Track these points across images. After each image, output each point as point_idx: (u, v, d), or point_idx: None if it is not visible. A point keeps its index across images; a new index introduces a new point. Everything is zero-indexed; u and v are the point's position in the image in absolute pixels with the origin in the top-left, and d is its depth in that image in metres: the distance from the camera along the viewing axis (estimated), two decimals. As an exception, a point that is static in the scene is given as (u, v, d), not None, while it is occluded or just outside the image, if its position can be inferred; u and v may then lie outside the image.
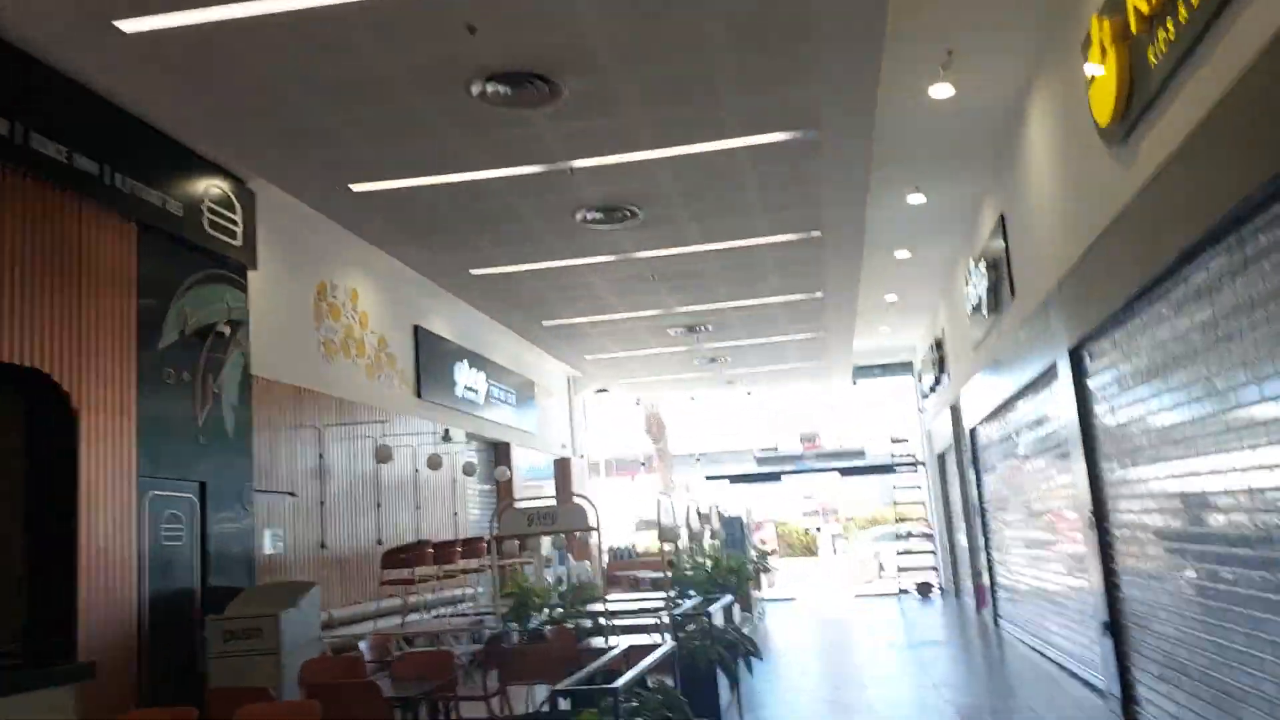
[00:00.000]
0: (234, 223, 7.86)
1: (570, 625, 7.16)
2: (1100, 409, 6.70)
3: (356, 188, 7.43)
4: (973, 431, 12.71)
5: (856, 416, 20.51)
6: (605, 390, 18.80)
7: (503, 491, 14.55)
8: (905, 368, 18.80)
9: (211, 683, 6.48)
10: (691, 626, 6.51)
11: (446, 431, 11.90)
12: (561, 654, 6.66)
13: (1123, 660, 6.63)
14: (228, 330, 7.64)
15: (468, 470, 11.18)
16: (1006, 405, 10.17)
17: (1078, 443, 7.03)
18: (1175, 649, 5.65)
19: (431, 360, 11.75)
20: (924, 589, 17.26)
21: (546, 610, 7.24)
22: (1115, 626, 6.70)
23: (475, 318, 12.53)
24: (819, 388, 20.10)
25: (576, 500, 7.49)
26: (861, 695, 8.14)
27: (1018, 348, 8.91)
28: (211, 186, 7.60)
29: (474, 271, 9.66)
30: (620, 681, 2.56)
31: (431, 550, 9.08)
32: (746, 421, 23.71)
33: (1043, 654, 9.45)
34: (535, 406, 15.93)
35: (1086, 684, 7.76)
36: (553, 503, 7.32)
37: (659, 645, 6.10)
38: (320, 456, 9.10)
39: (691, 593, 8.58)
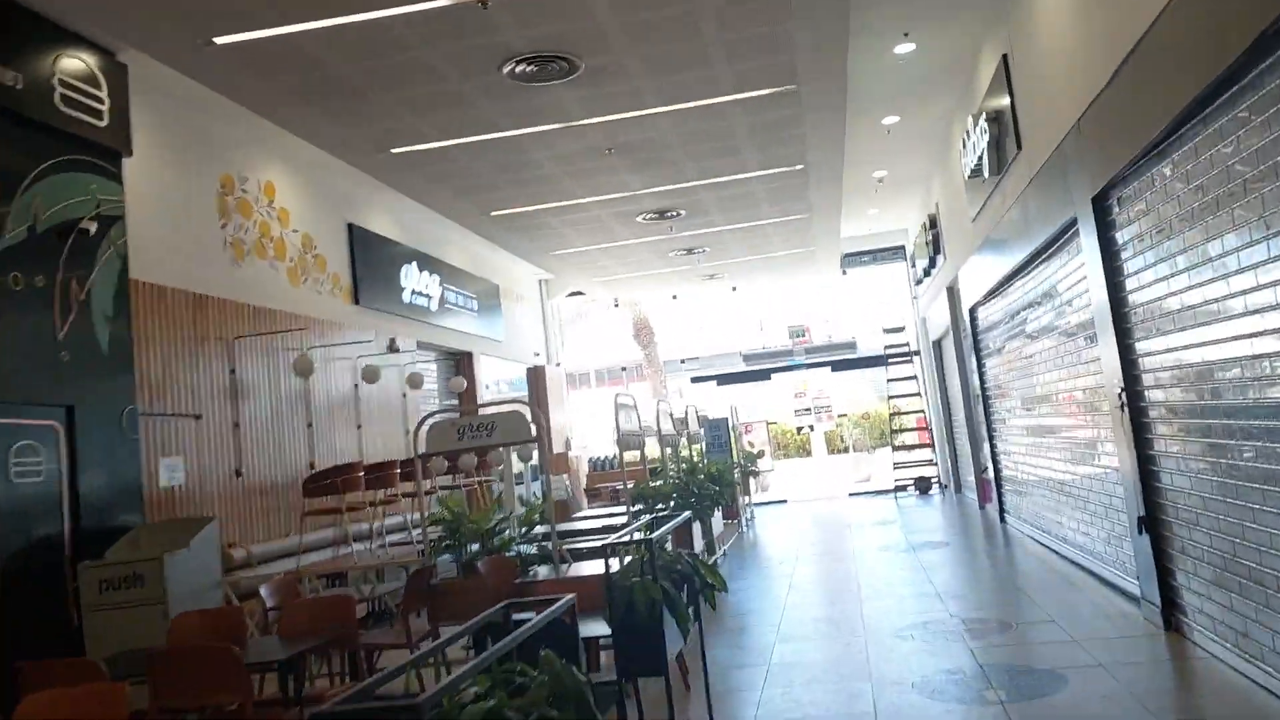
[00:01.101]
0: (98, 100, 6.55)
1: (513, 554, 6.19)
2: (1132, 266, 5.56)
3: (221, 40, 6.09)
4: (973, 313, 11.61)
5: (847, 308, 19.43)
6: (580, 293, 17.62)
7: (466, 406, 13.54)
8: (897, 253, 17.59)
9: (88, 641, 5.53)
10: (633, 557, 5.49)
11: (392, 341, 10.79)
12: (496, 590, 5.69)
13: (1162, 561, 5.66)
14: (94, 227, 6.42)
15: (413, 382, 10.10)
16: (1012, 279, 9.04)
17: (1104, 310, 5.92)
18: (1232, 547, 4.66)
19: (372, 262, 10.55)
20: (923, 485, 16.44)
21: (496, 538, 6.25)
22: (1153, 522, 5.71)
23: (424, 215, 11.25)
24: (807, 280, 18.95)
25: (514, 408, 6.41)
26: (855, 611, 7.23)
27: (1025, 210, 7.73)
28: (65, 57, 6.28)
29: (396, 150, 8.35)
30: (425, 696, 1.49)
31: (363, 473, 8.05)
32: (734, 321, 22.67)
33: (1058, 553, 8.55)
34: (501, 313, 14.80)
35: (1114, 588, 6.84)
36: (490, 411, 6.29)
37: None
38: (232, 372, 7.98)
39: (661, 507, 7.59)
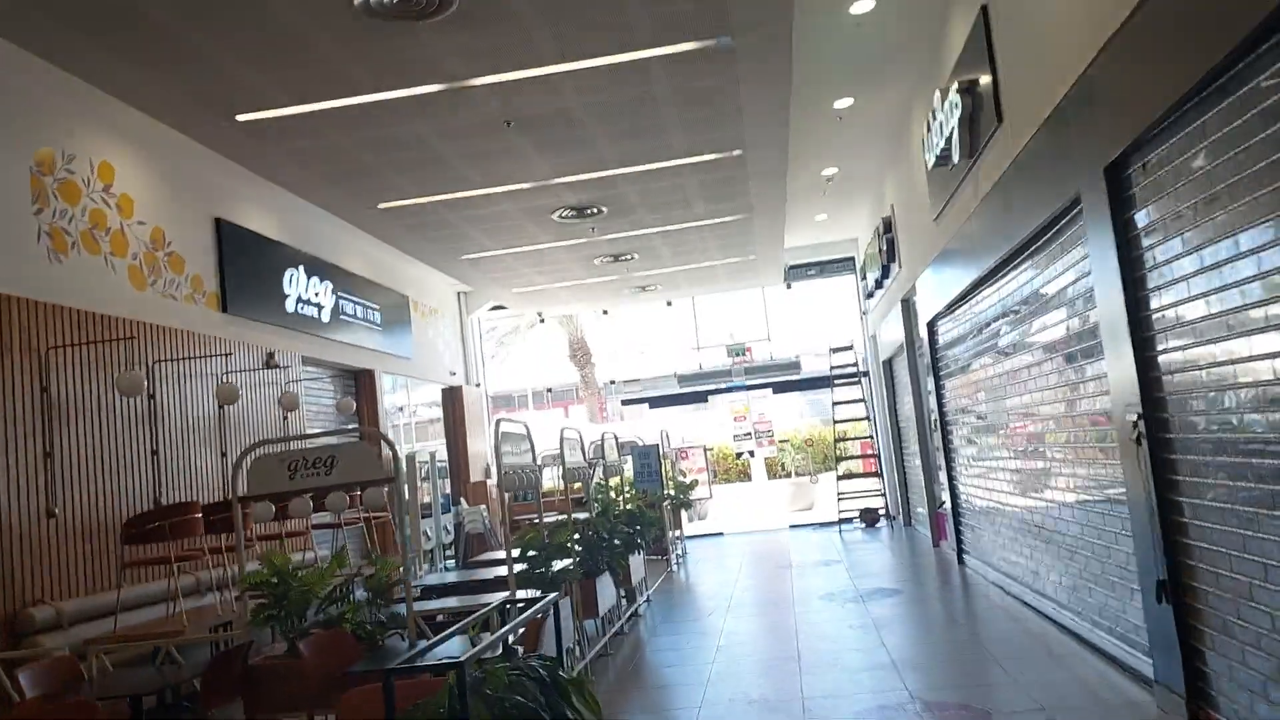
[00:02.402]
0: None
1: (360, 626, 4.68)
2: (1159, 255, 4.29)
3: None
4: (931, 328, 10.38)
5: (791, 325, 18.26)
6: (502, 307, 16.13)
7: (366, 432, 11.94)
8: (845, 265, 16.41)
9: None
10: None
11: (270, 355, 9.20)
12: (325, 676, 4.19)
13: (1188, 638, 4.36)
14: None
15: (287, 404, 8.50)
16: (984, 283, 7.79)
17: (1116, 314, 4.63)
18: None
19: (246, 265, 8.95)
20: (869, 517, 15.19)
21: (332, 606, 4.74)
22: (1177, 587, 4.42)
23: (313, 213, 9.67)
24: (748, 296, 17.72)
25: (356, 438, 4.92)
26: (793, 688, 5.82)
27: (1006, 197, 6.48)
28: None
29: (242, 118, 6.81)
30: None
31: (199, 515, 6.43)
32: (673, 339, 21.36)
33: (1034, 608, 7.26)
34: (410, 328, 13.24)
35: (1114, 662, 5.52)
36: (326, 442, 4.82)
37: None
38: (44, 390, 6.36)
39: (559, 564, 6.08)
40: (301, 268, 10.01)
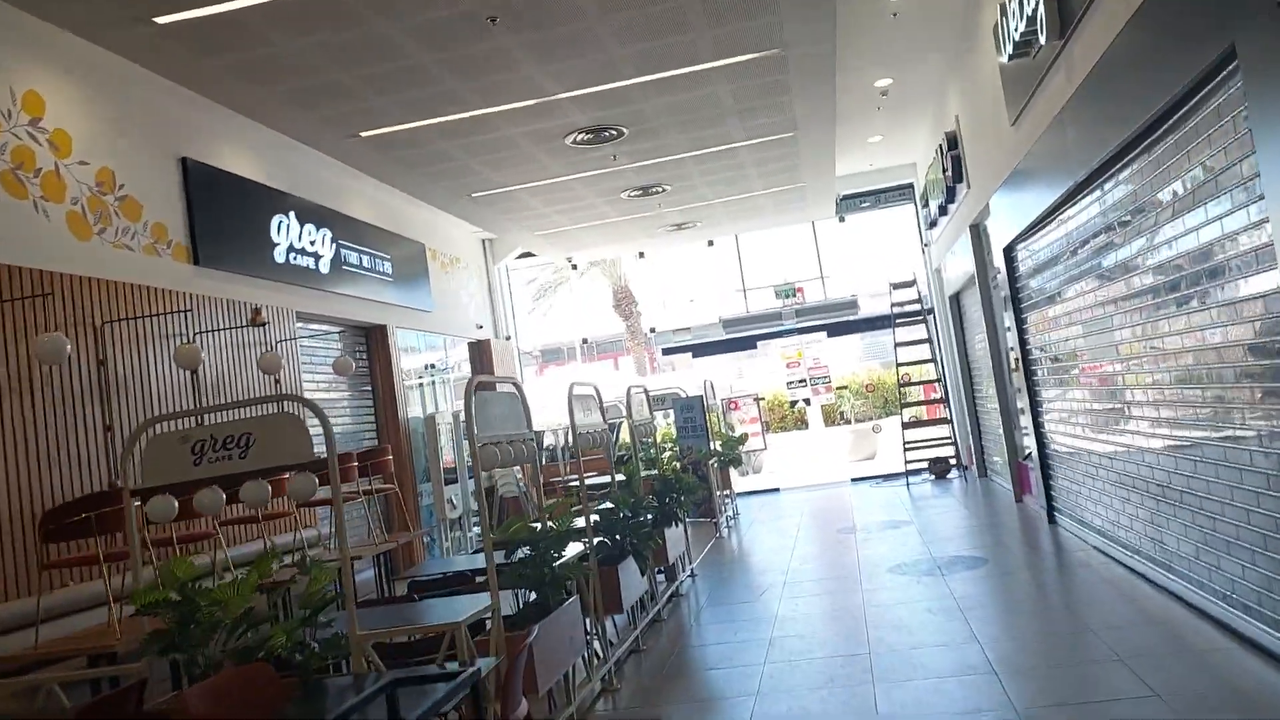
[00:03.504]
0: None
1: (291, 652, 3.61)
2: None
3: None
4: (1009, 254, 8.94)
5: (846, 262, 16.81)
6: (530, 254, 14.96)
7: (381, 393, 10.95)
8: (904, 193, 14.87)
9: None
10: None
11: (256, 312, 8.18)
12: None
13: None
14: None
15: (267, 366, 7.48)
16: (1082, 191, 6.37)
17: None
18: None
19: (222, 211, 7.91)
20: (940, 468, 13.85)
21: (252, 632, 3.67)
22: None
23: (306, 154, 8.56)
24: (797, 232, 16.26)
25: (288, 409, 3.82)
26: (862, 702, 4.66)
27: (1114, 74, 5.06)
28: None
29: (161, 19, 5.63)
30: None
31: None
32: (717, 283, 20.04)
33: (1152, 582, 5.96)
34: (427, 279, 12.17)
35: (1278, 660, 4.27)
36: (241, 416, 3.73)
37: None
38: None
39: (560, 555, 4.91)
40: (293, 214, 8.94)
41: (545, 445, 14.46)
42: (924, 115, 11.59)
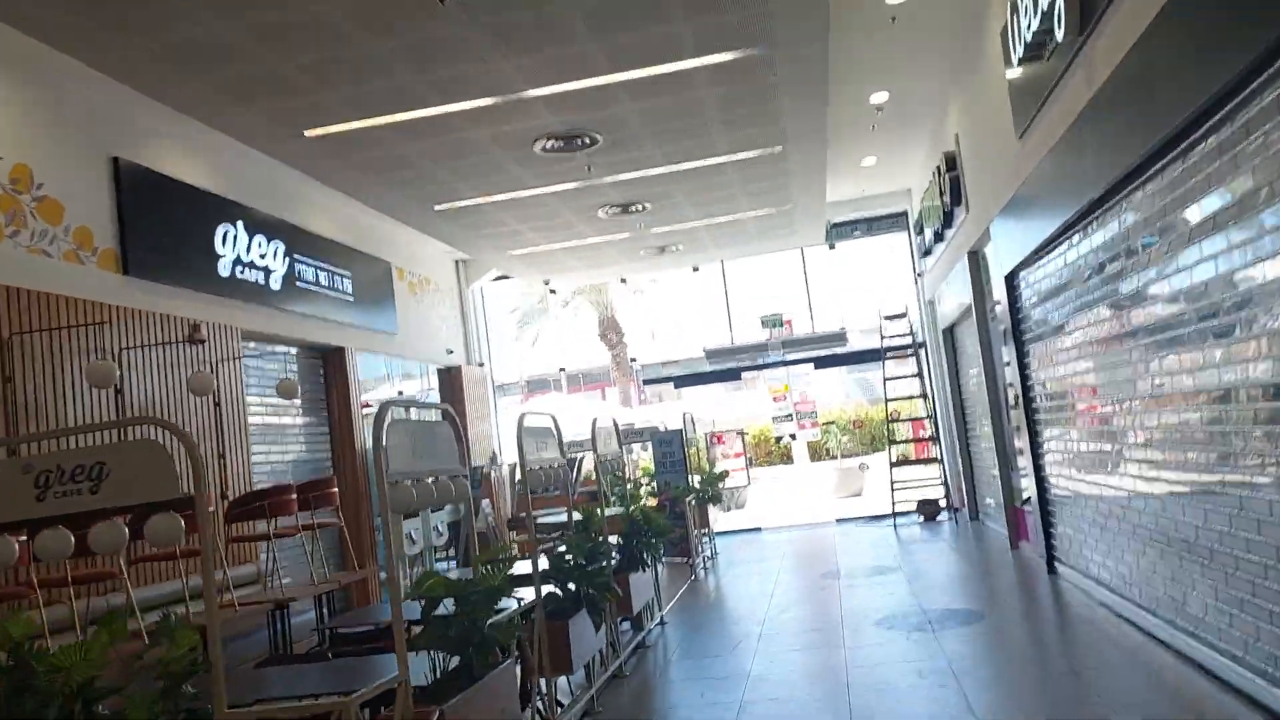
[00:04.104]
0: None
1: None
2: None
3: None
4: (1012, 282, 8.33)
5: (835, 292, 16.22)
6: (506, 277, 14.31)
7: (337, 420, 10.20)
8: (898, 221, 14.32)
9: None
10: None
11: (194, 328, 7.49)
12: None
13: None
14: None
15: (197, 386, 6.78)
16: (1102, 208, 5.75)
17: None
18: None
19: (158, 217, 7.24)
20: (929, 510, 13.17)
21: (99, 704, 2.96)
22: None
23: (259, 161, 7.91)
24: (784, 261, 15.67)
25: (149, 440, 3.12)
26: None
27: (1147, 67, 4.47)
28: None
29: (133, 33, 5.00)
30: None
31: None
32: (701, 312, 19.43)
33: (1169, 646, 5.28)
34: (393, 300, 11.51)
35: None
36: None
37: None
38: None
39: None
40: (241, 224, 8.28)
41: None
42: (921, 135, 11.05)
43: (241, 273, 8.24)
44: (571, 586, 5.14)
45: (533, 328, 31.49)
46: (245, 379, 8.31)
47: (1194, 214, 4.49)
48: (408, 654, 3.83)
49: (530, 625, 4.71)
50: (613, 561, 6.18)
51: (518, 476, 13.71)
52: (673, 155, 8.52)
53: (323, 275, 9.78)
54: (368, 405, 11.04)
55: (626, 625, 7.19)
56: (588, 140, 7.72)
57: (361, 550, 9.70)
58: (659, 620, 7.83)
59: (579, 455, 11.32)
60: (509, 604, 4.09)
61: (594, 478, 7.25)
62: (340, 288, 10.13)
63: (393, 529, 9.74)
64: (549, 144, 7.68)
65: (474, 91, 6.49)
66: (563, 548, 5.20)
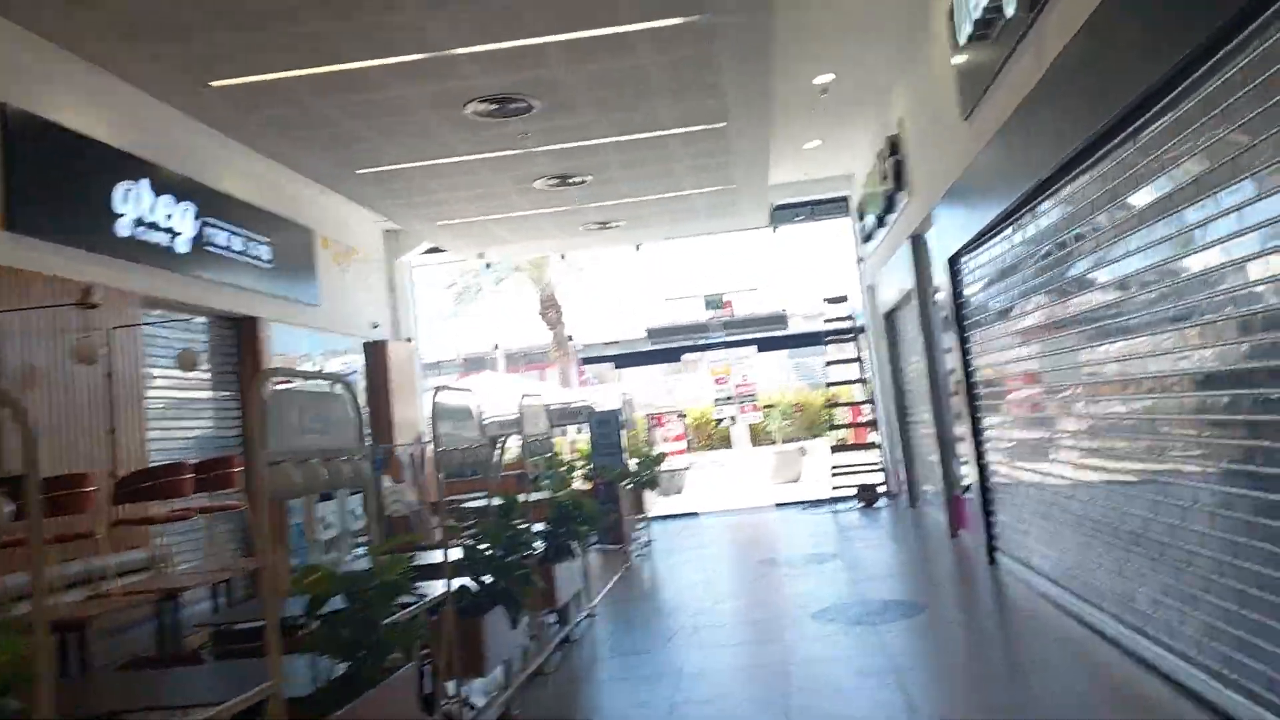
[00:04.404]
0: None
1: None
2: None
3: None
4: (954, 266, 8.13)
5: (778, 275, 15.99)
6: (439, 249, 13.76)
7: (250, 393, 9.61)
8: (839, 206, 14.12)
9: None
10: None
11: (86, 291, 6.87)
12: None
13: None
14: None
15: (82, 355, 6.21)
16: (1051, 188, 5.52)
17: None
18: None
19: (51, 170, 6.62)
20: (868, 496, 13.05)
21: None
22: None
23: (169, 115, 7.28)
24: (728, 243, 15.39)
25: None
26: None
27: (1104, 39, 4.22)
28: None
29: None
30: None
31: None
32: (645, 292, 19.08)
33: (1115, 643, 5.09)
34: (315, 269, 10.94)
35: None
36: None
37: None
38: None
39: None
40: (146, 182, 7.67)
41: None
42: (865, 117, 10.81)
43: (144, 234, 7.65)
44: (488, 579, 4.75)
45: (471, 304, 30.81)
46: (145, 349, 7.73)
47: (1142, 198, 4.27)
48: (294, 657, 3.43)
49: (440, 622, 4.33)
50: (537, 550, 5.80)
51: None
52: (613, 126, 8.11)
53: (236, 240, 9.20)
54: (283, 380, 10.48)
55: (552, 618, 6.83)
56: (523, 104, 7.28)
57: (274, 535, 9.16)
58: (588, 612, 7.49)
59: (503, 436, 10.87)
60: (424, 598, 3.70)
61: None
62: (256, 254, 9.55)
63: (301, 514, 9.14)
64: (481, 107, 7.22)
65: (399, 45, 6.01)
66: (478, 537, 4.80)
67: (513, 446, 12.09)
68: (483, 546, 4.74)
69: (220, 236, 8.88)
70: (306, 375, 10.64)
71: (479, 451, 5.00)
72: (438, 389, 4.66)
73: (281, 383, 4.13)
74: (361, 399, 13.13)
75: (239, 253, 9.21)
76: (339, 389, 3.64)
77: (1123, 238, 4.58)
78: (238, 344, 9.61)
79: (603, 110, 7.70)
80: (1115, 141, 4.47)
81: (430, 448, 12.75)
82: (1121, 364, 4.83)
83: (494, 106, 7.29)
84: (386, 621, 3.38)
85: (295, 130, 7.39)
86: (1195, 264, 3.90)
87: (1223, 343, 3.75)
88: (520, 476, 11.28)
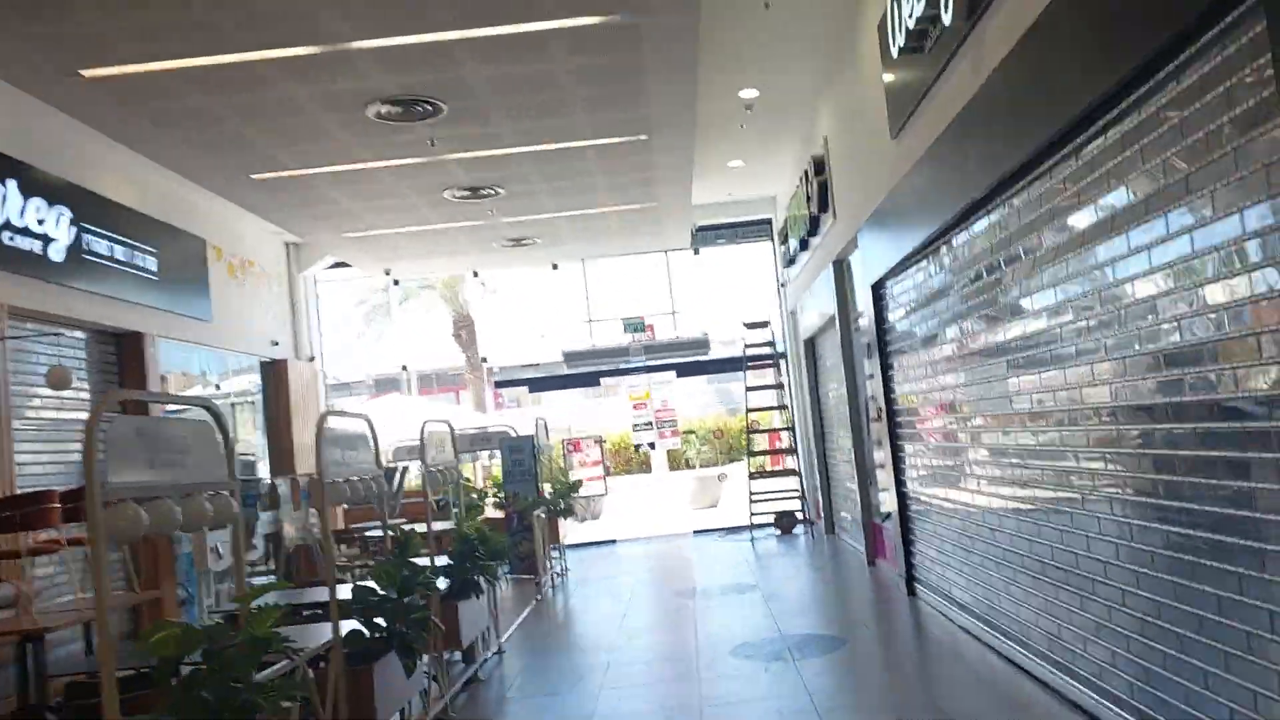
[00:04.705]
0: None
1: None
2: None
3: None
4: (878, 291, 7.97)
5: (698, 303, 15.79)
6: (344, 264, 13.14)
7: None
8: (762, 229, 14.01)
9: None
10: None
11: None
12: None
13: None
14: None
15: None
16: (975, 214, 5.37)
17: None
18: None
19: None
20: (786, 523, 12.85)
21: None
22: None
23: (41, 111, 6.62)
24: (649, 267, 15.11)
25: None
26: None
27: (1050, 43, 4.04)
28: None
29: None
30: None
31: None
32: (563, 314, 18.66)
33: (1041, 681, 4.88)
34: (207, 282, 10.25)
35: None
36: None
37: None
38: None
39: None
40: (13, 183, 6.99)
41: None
42: (790, 138, 10.69)
43: (11, 239, 6.96)
44: (381, 622, 4.28)
45: (380, 324, 29.90)
46: (13, 365, 7.02)
47: (1081, 219, 4.10)
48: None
49: (325, 671, 3.85)
50: (440, 588, 5.34)
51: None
52: (527, 134, 7.74)
53: (119, 249, 8.53)
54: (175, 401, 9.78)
55: (458, 655, 6.36)
56: (429, 107, 6.85)
57: (159, 566, 8.45)
58: (496, 649, 7.02)
59: (403, 465, 10.38)
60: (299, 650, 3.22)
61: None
62: (141, 264, 8.88)
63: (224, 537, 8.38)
64: (384, 109, 6.77)
65: (289, 36, 5.53)
66: (370, 580, 4.32)
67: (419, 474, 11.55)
68: (375, 585, 4.26)
69: (100, 245, 8.22)
70: (166, 398, 9.56)
71: (371, 482, 4.53)
72: (324, 415, 4.19)
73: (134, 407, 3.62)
74: (259, 421, 12.44)
75: (122, 263, 8.54)
76: (203, 414, 3.17)
77: (1051, 264, 4.42)
78: (119, 361, 8.91)
79: (516, 116, 7.33)
80: (1054, 159, 4.30)
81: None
82: (1045, 395, 4.65)
83: (398, 109, 6.85)
84: (261, 677, 2.91)
85: (179, 129, 6.82)
86: (1118, 294, 3.73)
87: (1136, 376, 3.58)
88: (436, 502, 10.77)
